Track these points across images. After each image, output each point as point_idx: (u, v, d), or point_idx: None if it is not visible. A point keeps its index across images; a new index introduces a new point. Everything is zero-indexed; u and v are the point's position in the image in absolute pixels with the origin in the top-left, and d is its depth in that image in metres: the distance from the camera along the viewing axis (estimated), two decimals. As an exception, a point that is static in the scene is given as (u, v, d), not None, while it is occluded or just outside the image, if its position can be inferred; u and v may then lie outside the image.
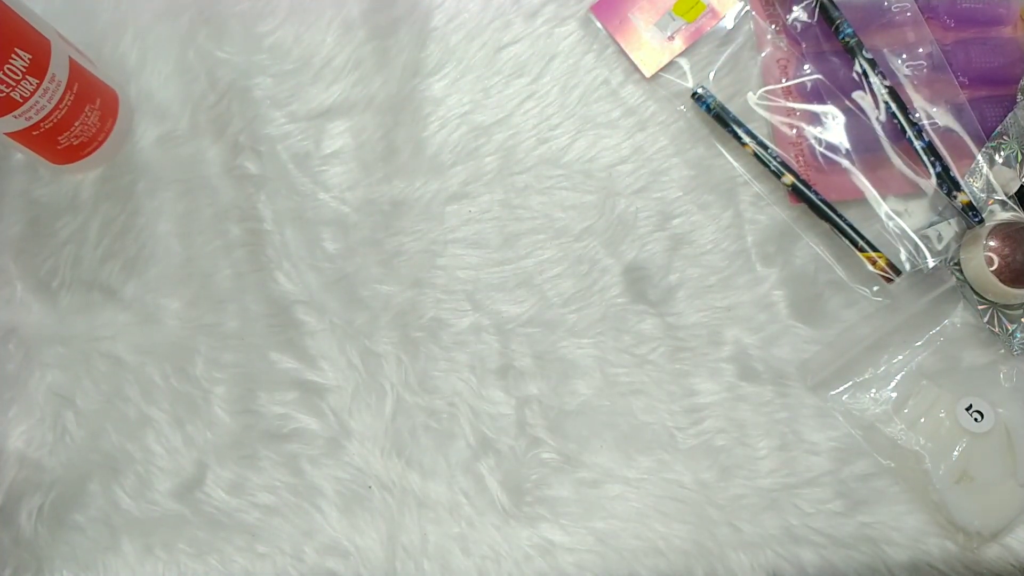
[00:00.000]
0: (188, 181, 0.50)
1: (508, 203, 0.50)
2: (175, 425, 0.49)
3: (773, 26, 0.50)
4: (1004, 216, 0.48)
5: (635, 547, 0.46)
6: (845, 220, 0.48)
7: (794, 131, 0.49)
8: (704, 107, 0.49)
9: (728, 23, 0.50)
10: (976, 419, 0.46)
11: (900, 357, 0.48)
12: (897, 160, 0.49)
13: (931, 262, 0.48)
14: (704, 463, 0.47)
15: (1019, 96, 0.49)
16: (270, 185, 0.50)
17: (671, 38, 0.50)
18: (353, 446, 0.48)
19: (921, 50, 0.50)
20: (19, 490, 0.48)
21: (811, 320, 0.48)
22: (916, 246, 0.48)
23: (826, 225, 0.48)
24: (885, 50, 0.50)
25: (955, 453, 0.45)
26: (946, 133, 0.49)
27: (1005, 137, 0.49)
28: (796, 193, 0.49)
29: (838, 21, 0.49)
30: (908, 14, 0.50)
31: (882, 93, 0.49)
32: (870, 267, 0.48)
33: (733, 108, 0.50)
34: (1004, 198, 0.48)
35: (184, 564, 0.47)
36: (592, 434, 0.47)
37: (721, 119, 0.49)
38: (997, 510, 0.46)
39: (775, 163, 0.49)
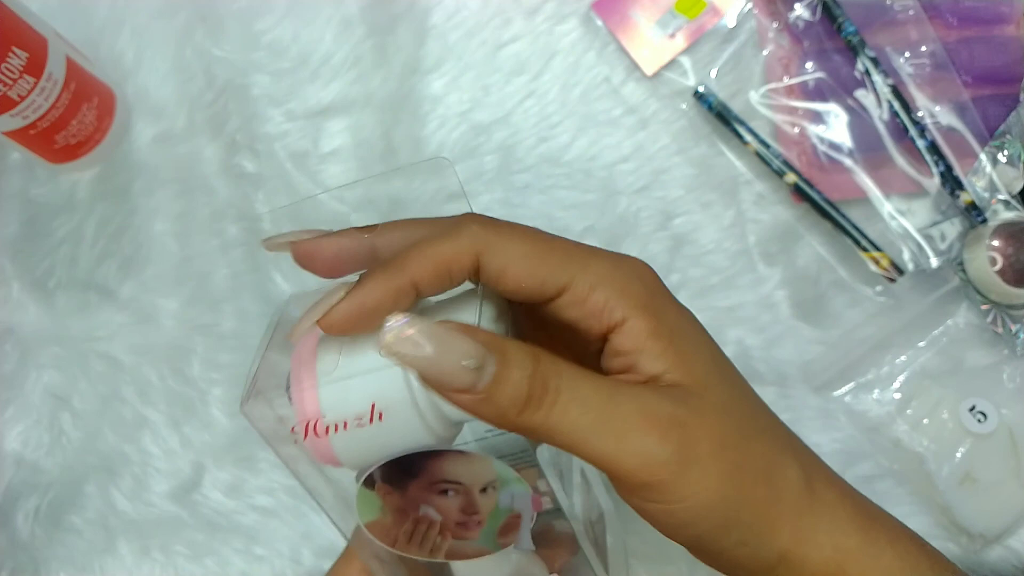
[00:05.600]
0: (185, 180, 0.50)
1: (508, 202, 0.50)
2: (172, 426, 0.48)
3: (775, 24, 0.50)
4: (1007, 215, 0.47)
5: (640, 551, 0.46)
6: (848, 219, 0.48)
7: (796, 130, 0.49)
8: (706, 105, 0.49)
9: (730, 21, 0.50)
10: (979, 420, 0.45)
11: (903, 357, 0.48)
12: (900, 159, 0.48)
13: (934, 262, 0.47)
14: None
15: (1022, 95, 0.49)
16: (268, 184, 0.50)
17: (672, 36, 0.50)
18: (352, 447, 0.47)
19: (924, 48, 0.49)
20: (16, 492, 0.48)
21: (814, 320, 0.48)
22: (919, 246, 0.48)
23: (829, 224, 0.48)
24: (888, 48, 0.49)
25: (958, 454, 0.45)
26: (949, 132, 0.48)
27: (1008, 136, 0.48)
28: (799, 192, 0.48)
29: (840, 19, 0.49)
30: (911, 12, 0.49)
31: (884, 92, 0.48)
32: (873, 267, 0.47)
33: (735, 106, 0.49)
34: (1007, 197, 0.48)
35: (181, 566, 0.47)
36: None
37: (723, 118, 0.49)
38: (1000, 512, 0.45)
39: (777, 162, 0.48)
